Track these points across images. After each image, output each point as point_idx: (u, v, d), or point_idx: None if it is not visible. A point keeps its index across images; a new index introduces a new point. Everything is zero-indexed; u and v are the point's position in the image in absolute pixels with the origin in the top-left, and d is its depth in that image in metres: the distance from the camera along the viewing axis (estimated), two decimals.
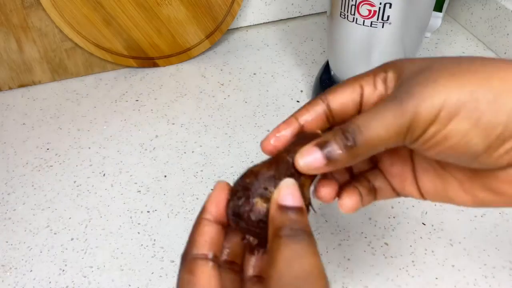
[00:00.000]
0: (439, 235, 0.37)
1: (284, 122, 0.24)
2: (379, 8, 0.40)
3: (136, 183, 0.43)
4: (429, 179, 0.24)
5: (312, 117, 0.23)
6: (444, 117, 0.19)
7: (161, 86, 0.55)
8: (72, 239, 0.39)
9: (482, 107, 0.19)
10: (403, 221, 0.39)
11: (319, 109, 0.23)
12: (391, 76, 0.22)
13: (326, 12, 0.65)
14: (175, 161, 0.45)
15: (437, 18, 0.55)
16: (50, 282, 0.36)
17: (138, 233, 0.39)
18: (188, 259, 0.21)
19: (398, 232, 0.38)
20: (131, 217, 0.40)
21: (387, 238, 0.37)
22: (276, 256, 0.18)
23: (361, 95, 0.23)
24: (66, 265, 0.37)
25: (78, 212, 0.41)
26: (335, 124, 0.24)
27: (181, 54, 0.58)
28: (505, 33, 0.54)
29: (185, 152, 0.46)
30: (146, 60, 0.57)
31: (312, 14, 0.65)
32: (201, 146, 0.47)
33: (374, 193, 0.26)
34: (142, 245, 0.38)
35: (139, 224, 0.39)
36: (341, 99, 0.23)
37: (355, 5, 0.41)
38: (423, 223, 0.38)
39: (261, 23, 0.64)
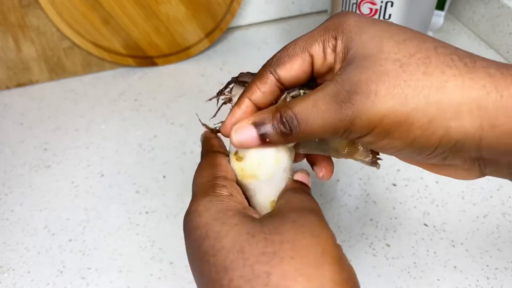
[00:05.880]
0: (441, 236, 0.37)
1: (237, 104, 0.24)
2: (381, 6, 0.39)
3: (134, 184, 0.43)
4: None
5: (265, 97, 0.24)
6: (379, 132, 0.20)
7: (160, 86, 0.54)
8: (70, 240, 0.38)
9: (416, 132, 0.20)
10: (404, 222, 0.38)
11: (270, 84, 0.23)
12: (340, 45, 0.22)
13: (327, 10, 0.64)
14: (174, 161, 0.45)
15: (439, 17, 0.55)
16: (48, 284, 0.35)
17: (137, 234, 0.38)
18: (207, 153, 0.26)
19: (399, 233, 0.37)
20: (129, 218, 0.40)
21: (389, 239, 0.37)
22: (289, 196, 0.23)
23: (312, 64, 0.23)
24: (64, 267, 0.36)
25: (76, 213, 0.40)
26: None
27: (180, 53, 0.57)
28: (507, 32, 0.54)
29: (184, 153, 0.46)
30: (145, 59, 0.56)
31: (313, 12, 0.65)
32: (200, 146, 0.46)
33: None
34: (140, 246, 0.37)
35: (137, 225, 0.39)
36: (292, 72, 0.23)
37: (356, 4, 0.40)
38: (425, 224, 0.38)
39: (261, 22, 0.64)
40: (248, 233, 0.20)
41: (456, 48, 0.20)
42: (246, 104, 0.24)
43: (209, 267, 0.20)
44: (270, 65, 0.23)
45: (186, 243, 0.22)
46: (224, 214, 0.21)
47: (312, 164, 0.27)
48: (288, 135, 0.22)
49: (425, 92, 0.19)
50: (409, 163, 0.25)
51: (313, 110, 0.21)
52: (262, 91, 0.23)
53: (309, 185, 0.26)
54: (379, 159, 0.25)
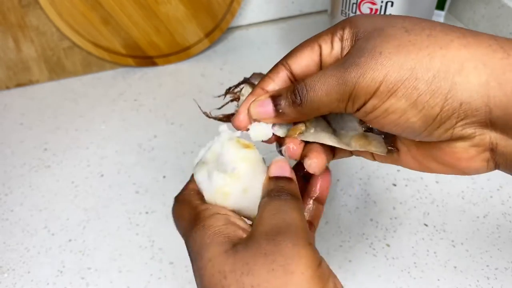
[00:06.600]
0: (441, 236, 0.37)
1: (252, 94, 0.24)
2: (381, 6, 0.39)
3: (134, 184, 0.43)
4: None
5: (278, 86, 0.24)
6: (384, 92, 0.20)
7: (160, 86, 0.54)
8: (70, 240, 0.38)
9: (421, 87, 0.19)
10: (404, 222, 0.38)
11: (282, 75, 0.24)
12: (347, 33, 0.22)
13: (327, 10, 0.64)
14: (174, 161, 0.45)
15: (439, 17, 0.55)
16: (48, 284, 0.35)
17: (137, 234, 0.38)
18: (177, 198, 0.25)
19: (399, 233, 0.37)
20: (129, 218, 0.40)
21: (389, 239, 0.37)
22: (262, 209, 0.21)
23: (320, 55, 0.23)
24: (64, 267, 0.36)
25: (76, 213, 0.40)
26: None
27: (180, 53, 0.57)
28: (507, 32, 0.54)
29: (184, 153, 0.46)
30: (145, 59, 0.56)
31: (313, 12, 0.65)
32: (200, 146, 0.46)
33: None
34: (140, 246, 0.37)
35: (137, 225, 0.39)
36: (302, 62, 0.23)
37: (356, 3, 0.40)
38: (425, 224, 0.38)
39: (261, 22, 0.64)
40: (220, 273, 0.19)
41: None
42: (260, 93, 0.24)
43: None
44: (283, 59, 0.24)
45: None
46: (202, 247, 0.20)
47: (302, 159, 0.24)
48: (298, 105, 0.22)
49: (429, 50, 0.20)
50: (416, 158, 0.24)
51: (321, 78, 0.21)
52: (275, 81, 0.24)
53: (287, 173, 0.23)
54: (394, 146, 0.25)
